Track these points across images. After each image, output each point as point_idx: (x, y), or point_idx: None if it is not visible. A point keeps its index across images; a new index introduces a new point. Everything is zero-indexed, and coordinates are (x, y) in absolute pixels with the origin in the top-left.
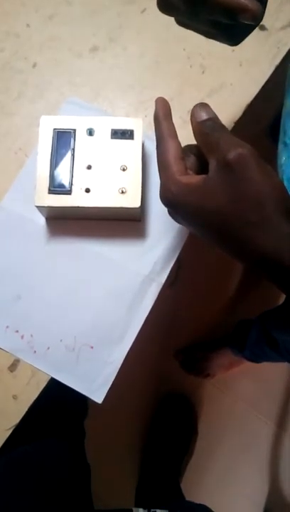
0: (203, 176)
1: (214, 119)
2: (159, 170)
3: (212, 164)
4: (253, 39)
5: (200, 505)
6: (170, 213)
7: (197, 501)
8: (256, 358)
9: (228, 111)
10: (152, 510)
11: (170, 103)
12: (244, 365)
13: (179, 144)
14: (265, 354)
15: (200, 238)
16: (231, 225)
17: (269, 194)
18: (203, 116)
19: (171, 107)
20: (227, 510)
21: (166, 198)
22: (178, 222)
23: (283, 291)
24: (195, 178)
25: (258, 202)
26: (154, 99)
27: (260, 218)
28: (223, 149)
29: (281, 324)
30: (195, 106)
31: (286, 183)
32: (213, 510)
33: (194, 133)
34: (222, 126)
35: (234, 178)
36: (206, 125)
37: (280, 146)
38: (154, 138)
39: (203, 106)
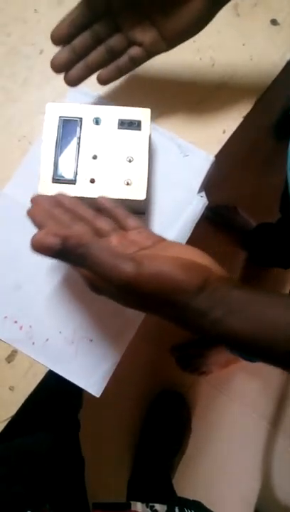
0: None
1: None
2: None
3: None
4: (265, 33)
5: (195, 501)
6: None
7: (189, 497)
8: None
9: (237, 105)
10: (150, 504)
11: (179, 96)
12: (240, 363)
13: None
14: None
15: None
16: (168, 318)
17: (171, 291)
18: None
19: (179, 100)
20: (218, 507)
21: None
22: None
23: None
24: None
25: (166, 302)
26: (163, 90)
27: (179, 311)
28: (107, 279)
29: None
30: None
31: None
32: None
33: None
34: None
35: (134, 297)
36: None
37: None
38: (162, 130)
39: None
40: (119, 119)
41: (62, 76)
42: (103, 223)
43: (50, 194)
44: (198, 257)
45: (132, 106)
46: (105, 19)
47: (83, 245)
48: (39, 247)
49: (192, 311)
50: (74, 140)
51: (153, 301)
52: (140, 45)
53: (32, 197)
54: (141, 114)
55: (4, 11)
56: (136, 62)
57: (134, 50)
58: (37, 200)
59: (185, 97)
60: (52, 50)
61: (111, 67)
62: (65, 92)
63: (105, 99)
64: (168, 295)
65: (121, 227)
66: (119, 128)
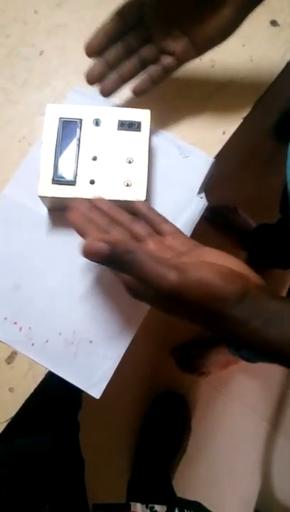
0: None
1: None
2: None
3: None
4: (264, 34)
5: (194, 502)
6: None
7: (189, 498)
8: (252, 357)
9: (237, 106)
10: (150, 505)
11: (178, 97)
12: (240, 364)
13: None
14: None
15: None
16: (204, 325)
17: (212, 299)
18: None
19: (179, 101)
20: (218, 508)
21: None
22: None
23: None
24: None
25: (206, 310)
26: (163, 92)
27: (217, 319)
28: (150, 286)
29: None
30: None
31: None
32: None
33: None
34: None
35: (176, 304)
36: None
37: None
38: (162, 131)
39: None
40: (119, 120)
41: (62, 77)
42: (139, 228)
43: (49, 196)
44: (235, 264)
45: (132, 107)
46: (137, 30)
47: (130, 252)
48: (89, 253)
49: (231, 319)
50: (74, 141)
51: (194, 309)
52: (172, 54)
53: (69, 202)
54: (141, 115)
55: (4, 12)
56: (169, 71)
57: (167, 60)
58: (74, 205)
59: (185, 98)
60: (52, 51)
61: (145, 78)
62: (65, 93)
63: (104, 99)
64: (208, 303)
65: (157, 231)
66: (118, 129)
